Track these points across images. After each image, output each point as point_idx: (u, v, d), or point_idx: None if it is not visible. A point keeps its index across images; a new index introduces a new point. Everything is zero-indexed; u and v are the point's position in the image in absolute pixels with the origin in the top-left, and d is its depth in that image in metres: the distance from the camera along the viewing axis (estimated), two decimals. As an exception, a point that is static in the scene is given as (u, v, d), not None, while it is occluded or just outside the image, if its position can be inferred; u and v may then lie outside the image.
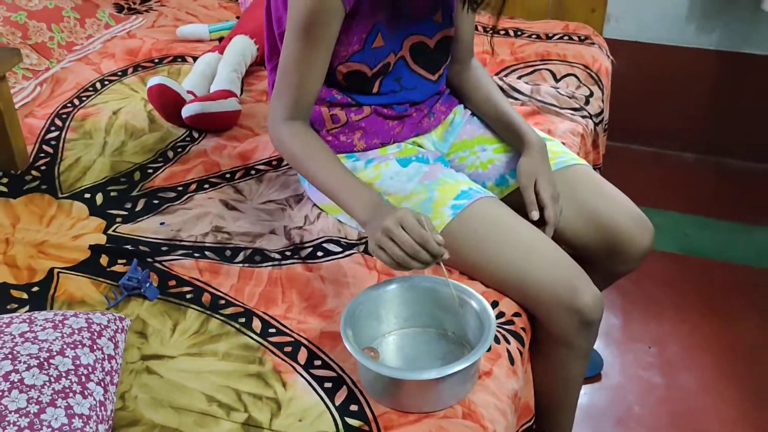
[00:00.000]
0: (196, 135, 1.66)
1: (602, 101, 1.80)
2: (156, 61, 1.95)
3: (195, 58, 1.91)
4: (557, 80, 1.82)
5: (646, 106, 2.53)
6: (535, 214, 1.28)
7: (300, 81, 1.21)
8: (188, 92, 1.69)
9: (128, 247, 1.33)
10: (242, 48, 1.79)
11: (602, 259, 1.40)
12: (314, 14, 1.16)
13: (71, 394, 0.98)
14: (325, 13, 1.16)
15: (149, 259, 1.30)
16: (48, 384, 0.97)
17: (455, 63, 1.45)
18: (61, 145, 1.63)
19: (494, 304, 1.21)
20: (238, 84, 1.75)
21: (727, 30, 2.34)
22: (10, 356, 0.99)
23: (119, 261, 1.30)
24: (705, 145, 2.55)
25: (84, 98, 1.79)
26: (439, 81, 1.41)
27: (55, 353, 1.01)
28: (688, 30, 2.38)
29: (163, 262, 1.30)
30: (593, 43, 1.97)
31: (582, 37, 1.98)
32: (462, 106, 1.49)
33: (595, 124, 1.74)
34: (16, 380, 0.97)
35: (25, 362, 0.99)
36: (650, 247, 1.39)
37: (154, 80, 1.65)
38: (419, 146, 1.40)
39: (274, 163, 1.55)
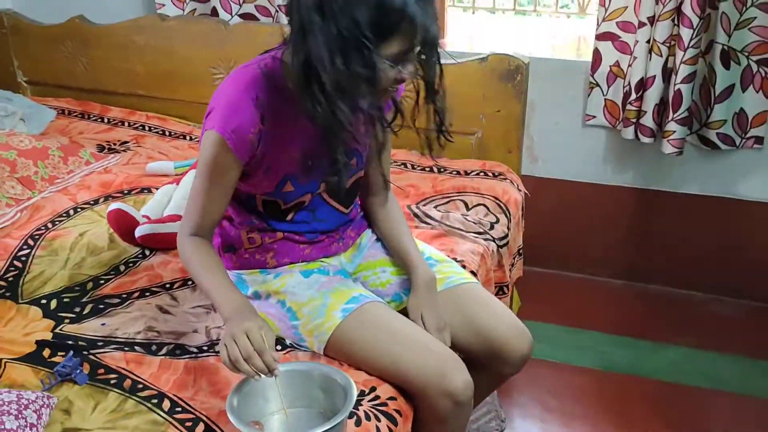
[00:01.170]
0: (147, 253, 1.91)
1: (507, 227, 2.05)
2: (125, 192, 2.24)
3: (159, 190, 2.20)
4: (468, 209, 2.08)
5: (576, 236, 2.78)
6: None
7: (202, 208, 1.43)
8: (144, 216, 1.96)
9: (69, 342, 1.55)
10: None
11: (487, 364, 1.59)
12: (213, 162, 1.38)
13: (-8, 451, 1.17)
14: (222, 164, 1.39)
15: (85, 352, 1.52)
16: (-27, 441, 1.17)
17: (371, 195, 1.68)
18: (29, 260, 1.88)
19: (372, 389, 1.40)
20: (187, 210, 2.01)
21: (639, 170, 2.63)
22: (-54, 419, 1.20)
23: (60, 353, 1.52)
24: (630, 272, 2.78)
25: (57, 222, 2.06)
26: (350, 212, 1.63)
27: (-16, 418, 1.22)
28: (605, 169, 2.67)
29: (97, 354, 1.51)
30: (506, 179, 2.24)
31: (496, 173, 2.26)
32: (370, 230, 1.73)
33: (499, 247, 1.98)
34: (-54, 438, 1.16)
35: (-43, 424, 1.19)
36: (528, 353, 1.59)
37: (113, 206, 1.92)
38: (324, 262, 1.61)
39: (209, 275, 1.79)
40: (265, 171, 1.45)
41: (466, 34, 2.94)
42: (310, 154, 1.39)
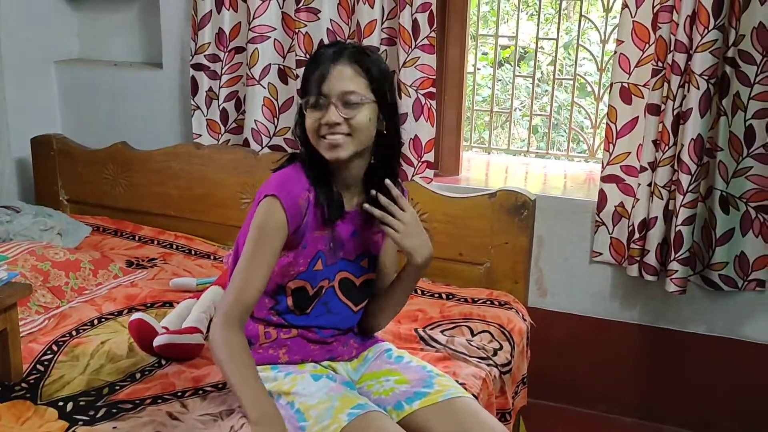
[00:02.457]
0: (163, 362, 2.00)
1: (510, 354, 2.12)
2: (148, 305, 2.35)
3: (180, 304, 2.31)
4: (473, 335, 2.16)
5: (585, 370, 2.81)
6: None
7: (244, 281, 1.58)
8: (163, 327, 2.07)
9: (81, 443, 1.62)
10: (213, 295, 2.20)
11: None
12: (264, 223, 1.58)
13: None
14: (273, 225, 1.58)
15: (95, 453, 1.58)
16: None
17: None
18: (51, 365, 1.98)
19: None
20: (205, 323, 2.11)
21: (645, 307, 2.70)
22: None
23: (70, 453, 1.59)
24: (641, 410, 2.78)
25: (81, 330, 2.17)
26: (358, 313, 1.78)
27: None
28: (613, 305, 2.74)
29: (106, 455, 1.58)
30: (511, 308, 2.33)
31: (502, 303, 2.35)
32: (377, 345, 1.83)
33: (501, 373, 2.04)
34: None
35: None
36: None
37: (135, 315, 2.04)
38: (332, 369, 1.73)
39: (220, 386, 1.86)
40: (302, 247, 1.64)
41: (482, 172, 3.11)
42: (334, 235, 1.67)
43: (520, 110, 3.99)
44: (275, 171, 1.69)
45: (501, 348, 2.12)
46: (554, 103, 3.20)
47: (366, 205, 1.62)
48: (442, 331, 2.17)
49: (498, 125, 3.88)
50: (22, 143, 3.08)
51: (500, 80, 4.12)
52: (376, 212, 1.60)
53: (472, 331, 2.18)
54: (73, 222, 2.88)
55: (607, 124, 2.57)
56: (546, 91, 4.04)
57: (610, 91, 2.54)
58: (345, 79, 1.58)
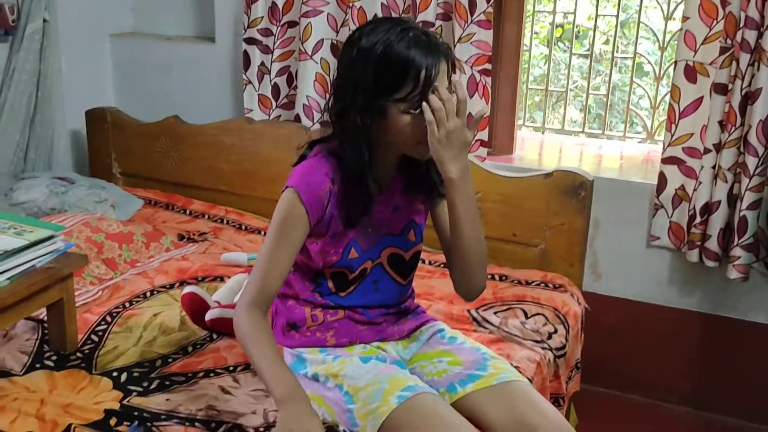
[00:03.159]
0: (215, 336, 2.00)
1: (565, 338, 2.07)
2: (200, 278, 2.36)
3: (231, 279, 2.31)
4: (527, 317, 2.11)
5: (639, 357, 2.75)
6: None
7: (265, 272, 1.55)
8: (215, 301, 2.06)
9: (135, 413, 1.63)
10: (265, 271, 2.18)
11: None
12: (284, 216, 1.54)
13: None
14: (293, 218, 1.54)
15: (149, 424, 1.59)
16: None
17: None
18: (106, 335, 1.99)
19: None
20: (256, 298, 2.11)
21: (705, 294, 2.62)
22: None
23: (125, 423, 1.59)
24: (698, 400, 2.70)
25: (134, 302, 2.18)
26: (407, 284, 1.75)
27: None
28: (670, 291, 2.66)
29: (159, 427, 1.58)
30: (566, 291, 2.27)
31: (557, 285, 2.30)
32: (429, 324, 1.79)
33: (556, 357, 1.99)
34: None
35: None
36: None
37: (187, 288, 2.04)
38: (381, 349, 1.70)
39: (271, 362, 1.85)
40: (331, 237, 1.59)
41: (536, 151, 3.04)
42: (370, 219, 1.61)
43: (573, 90, 3.89)
44: (298, 161, 1.64)
45: (556, 331, 2.07)
46: (609, 86, 3.11)
47: (424, 104, 1.47)
48: (495, 313, 2.13)
49: (549, 106, 3.79)
50: (77, 115, 3.10)
51: (552, 60, 4.02)
52: (428, 115, 1.48)
53: (526, 313, 2.14)
54: (126, 195, 2.90)
55: (669, 104, 2.48)
56: (599, 71, 3.93)
57: (674, 69, 2.45)
58: (445, 77, 1.50)
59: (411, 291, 1.79)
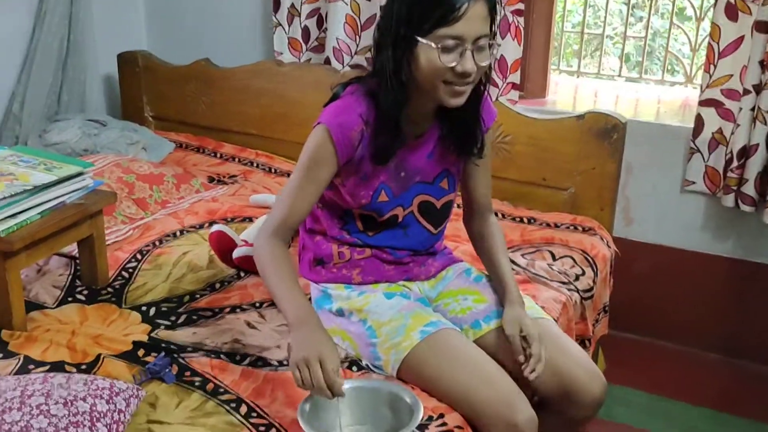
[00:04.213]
0: (242, 274, 2.02)
1: (593, 281, 2.05)
2: (229, 219, 2.37)
3: (259, 220, 2.33)
4: (555, 259, 2.09)
5: (670, 304, 2.72)
6: (521, 358, 1.52)
7: (290, 204, 1.54)
8: (242, 240, 2.08)
9: (162, 345, 1.66)
10: (292, 211, 2.19)
11: (559, 405, 1.59)
12: (314, 153, 1.52)
13: (81, 427, 1.27)
14: (322, 156, 1.52)
15: (175, 355, 1.62)
16: (66, 416, 1.27)
17: (475, 218, 1.76)
18: (136, 272, 2.03)
19: (440, 416, 1.43)
20: (283, 238, 2.12)
21: (739, 240, 2.56)
22: (45, 394, 1.31)
23: (152, 354, 1.63)
24: (727, 347, 2.67)
25: (164, 241, 2.21)
26: (438, 233, 1.73)
27: (79, 398, 1.32)
28: (703, 237, 2.61)
29: (186, 358, 1.61)
30: (596, 234, 2.25)
31: (586, 228, 2.27)
32: (456, 264, 1.79)
33: (582, 299, 1.98)
34: (45, 409, 1.28)
35: (55, 400, 1.30)
36: (601, 396, 1.58)
37: (215, 227, 2.06)
38: (406, 287, 1.70)
39: (297, 299, 1.87)
40: (361, 178, 1.57)
41: (570, 95, 2.98)
42: (403, 164, 1.58)
43: (611, 37, 3.78)
44: (332, 98, 1.59)
45: (583, 273, 2.05)
46: (648, 29, 3.01)
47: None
48: (522, 255, 2.11)
49: (587, 53, 3.70)
50: (110, 58, 3.11)
51: (592, 5, 3.91)
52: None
53: (553, 255, 2.12)
54: (158, 138, 2.92)
55: (708, 44, 2.40)
56: (640, 18, 3.81)
57: (715, 7, 2.37)
58: (480, 20, 1.41)
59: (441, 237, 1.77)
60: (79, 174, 1.86)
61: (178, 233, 2.27)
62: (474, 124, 1.60)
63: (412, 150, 1.61)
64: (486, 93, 1.59)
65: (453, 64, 1.43)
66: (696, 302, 2.69)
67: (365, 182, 1.59)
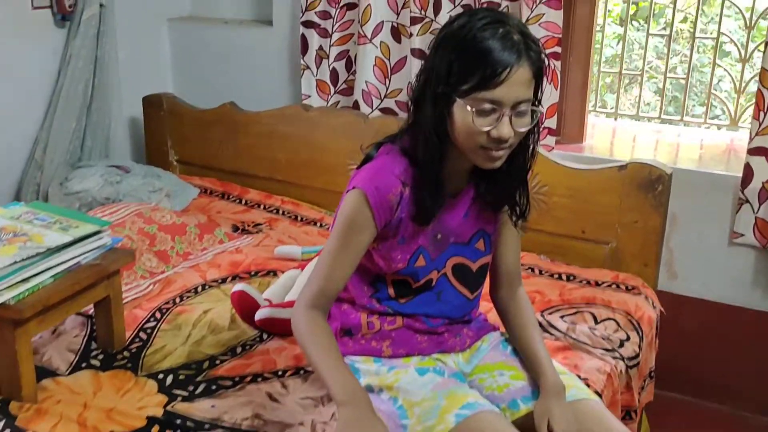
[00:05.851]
0: (265, 336, 1.92)
1: (638, 346, 1.91)
2: (252, 273, 2.28)
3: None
4: (597, 322, 1.96)
5: (717, 363, 2.56)
6: None
7: (328, 273, 1.44)
8: (266, 300, 1.98)
9: (178, 421, 1.56)
10: (318, 268, 2.09)
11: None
12: (350, 219, 1.43)
13: None
14: (359, 222, 1.42)
15: (191, 433, 1.52)
16: None
17: (502, 288, 1.64)
18: (154, 333, 1.93)
19: None
20: (308, 297, 2.02)
21: (793, 297, 2.41)
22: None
23: (167, 431, 1.52)
24: (780, 410, 2.51)
25: (185, 297, 2.12)
26: (474, 299, 1.61)
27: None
28: (754, 293, 2.46)
29: (202, 437, 1.51)
30: (640, 293, 2.11)
31: (629, 287, 2.13)
32: (491, 334, 1.67)
33: (628, 367, 1.84)
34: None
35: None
36: None
37: (237, 287, 1.96)
38: (440, 361, 1.58)
39: (322, 367, 1.76)
40: (399, 241, 1.47)
41: (607, 139, 2.86)
42: (439, 225, 1.49)
43: (648, 72, 3.67)
44: (365, 160, 1.51)
45: (628, 339, 1.92)
46: (686, 65, 2.89)
47: None
48: (562, 317, 1.99)
49: (622, 88, 3.58)
50: (135, 102, 3.06)
51: (630, 38, 3.79)
52: None
53: (595, 318, 1.99)
54: (182, 183, 2.85)
55: (758, 89, 2.27)
56: (674, 51, 3.69)
57: (765, 51, 2.24)
58: (523, 84, 1.33)
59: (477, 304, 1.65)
60: (97, 233, 1.78)
61: (199, 288, 2.18)
62: (515, 186, 1.50)
63: (448, 210, 1.52)
64: (533, 158, 1.48)
65: (488, 128, 1.33)
66: (745, 361, 2.53)
67: (402, 246, 1.49)
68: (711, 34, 3.04)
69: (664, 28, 3.62)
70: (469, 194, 1.53)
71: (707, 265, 2.50)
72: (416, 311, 1.56)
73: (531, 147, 1.47)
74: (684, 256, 2.52)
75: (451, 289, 1.57)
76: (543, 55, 1.38)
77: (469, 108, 1.33)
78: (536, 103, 1.39)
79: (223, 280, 2.23)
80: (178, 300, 2.10)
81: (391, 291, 1.55)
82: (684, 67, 3.49)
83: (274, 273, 2.27)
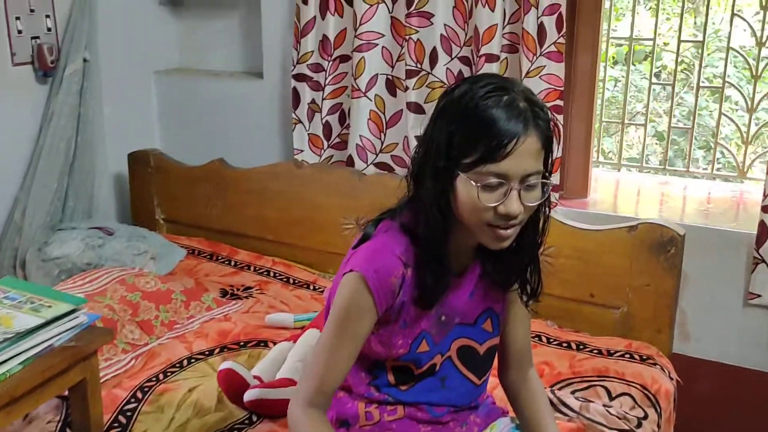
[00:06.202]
0: (254, 418, 1.78)
1: (657, 425, 1.78)
2: (242, 344, 2.14)
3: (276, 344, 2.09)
4: (611, 398, 1.83)
5: (736, 429, 2.42)
6: None
7: (324, 367, 1.31)
8: (255, 377, 1.84)
9: None
10: (311, 340, 1.95)
11: None
12: (349, 305, 1.29)
13: None
14: (358, 308, 1.29)
15: None
16: None
17: (512, 370, 1.52)
18: (134, 416, 1.79)
19: None
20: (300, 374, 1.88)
21: (813, 359, 2.28)
22: None
23: None
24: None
25: (169, 374, 1.98)
26: (482, 385, 1.48)
27: None
28: (772, 356, 2.34)
29: None
30: (655, 364, 1.98)
31: (644, 357, 2.00)
32: (501, 420, 1.53)
33: (647, 449, 1.71)
34: None
35: None
36: None
37: (225, 365, 1.83)
38: (445, 452, 1.44)
39: (316, 455, 1.62)
40: (401, 325, 1.35)
41: (611, 192, 2.76)
42: (443, 306, 1.37)
43: (652, 122, 3.58)
44: (362, 239, 1.38)
45: (646, 417, 1.78)
46: (684, 113, 2.81)
47: None
48: (573, 392, 1.85)
49: (617, 133, 3.49)
50: (120, 158, 2.95)
51: (620, 81, 3.71)
52: None
53: (609, 393, 1.85)
54: (168, 245, 2.72)
55: (771, 143, 2.17)
56: (669, 95, 3.61)
57: (776, 103, 2.15)
58: (532, 156, 1.22)
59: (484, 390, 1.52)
60: (72, 311, 1.64)
61: (185, 362, 2.04)
62: (525, 264, 1.38)
63: (453, 289, 1.39)
64: (544, 234, 1.36)
65: (494, 204, 1.22)
66: (762, 428, 2.39)
67: (404, 330, 1.36)
68: (708, 77, 2.95)
69: (659, 69, 3.56)
70: (475, 272, 1.41)
71: (722, 327, 2.38)
72: (419, 399, 1.42)
73: (542, 221, 1.35)
74: (697, 316, 2.40)
75: (456, 374, 1.43)
76: (552, 123, 1.27)
77: (473, 183, 1.21)
78: (546, 174, 1.28)
79: (210, 352, 2.10)
80: (161, 377, 1.96)
81: (390, 377, 1.42)
82: (681, 110, 3.42)
83: (265, 343, 2.14)
